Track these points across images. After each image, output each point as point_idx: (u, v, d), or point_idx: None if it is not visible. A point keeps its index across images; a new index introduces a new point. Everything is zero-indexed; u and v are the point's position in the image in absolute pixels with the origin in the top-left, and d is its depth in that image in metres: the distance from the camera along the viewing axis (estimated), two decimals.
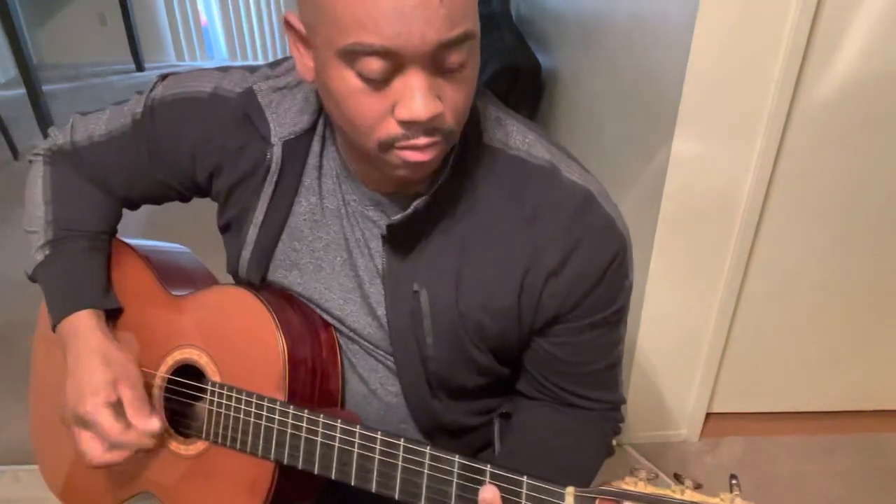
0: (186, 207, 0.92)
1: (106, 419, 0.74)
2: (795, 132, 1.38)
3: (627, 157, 1.62)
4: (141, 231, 2.48)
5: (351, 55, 0.56)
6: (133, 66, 4.12)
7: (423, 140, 0.60)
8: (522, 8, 2.85)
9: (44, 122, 3.19)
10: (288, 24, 0.63)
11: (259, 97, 0.75)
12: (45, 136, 0.90)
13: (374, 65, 0.56)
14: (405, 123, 0.58)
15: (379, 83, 0.57)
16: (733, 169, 1.38)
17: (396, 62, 0.56)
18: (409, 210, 0.68)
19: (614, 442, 0.84)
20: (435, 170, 0.67)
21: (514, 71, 2.26)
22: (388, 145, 0.61)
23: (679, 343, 1.63)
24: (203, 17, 4.25)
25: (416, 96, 0.57)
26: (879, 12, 1.27)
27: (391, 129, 0.59)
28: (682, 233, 1.46)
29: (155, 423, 0.75)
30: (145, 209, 0.90)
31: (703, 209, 1.43)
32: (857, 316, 1.67)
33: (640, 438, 1.76)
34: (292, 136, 0.74)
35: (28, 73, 3.11)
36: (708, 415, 1.78)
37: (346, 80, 0.58)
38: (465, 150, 0.70)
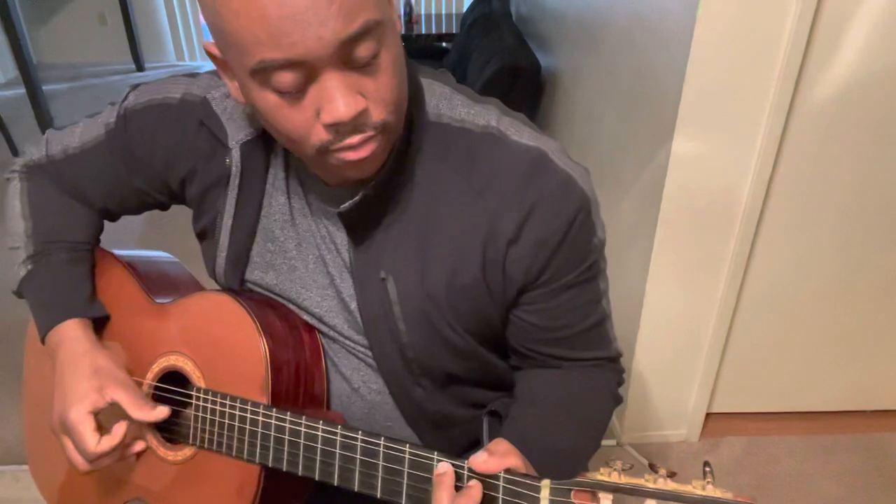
0: (176, 214, 0.92)
1: (86, 430, 0.74)
2: (795, 132, 1.38)
3: (627, 157, 1.62)
4: (134, 236, 2.48)
5: (261, 74, 0.56)
6: (133, 66, 4.13)
7: (355, 138, 0.60)
8: (522, 8, 2.85)
9: (44, 122, 3.19)
10: (209, 53, 0.63)
11: (213, 105, 0.76)
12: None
13: (286, 78, 0.56)
14: (331, 127, 0.58)
15: (296, 94, 0.57)
16: (733, 169, 1.38)
17: (306, 70, 0.56)
18: (357, 197, 0.67)
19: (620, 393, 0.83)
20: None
21: (514, 71, 2.27)
22: (324, 150, 0.61)
23: (679, 343, 1.64)
24: (203, 17, 4.25)
25: (334, 98, 0.57)
26: (879, 12, 1.27)
27: (321, 134, 0.59)
28: (682, 233, 1.46)
29: (163, 411, 0.76)
30: (142, 215, 0.90)
31: (703, 209, 1.43)
32: (858, 316, 1.67)
33: (641, 438, 1.77)
34: (250, 138, 0.74)
35: (28, 73, 3.11)
36: (708, 415, 1.78)
37: (266, 98, 0.58)
38: (409, 131, 0.69)
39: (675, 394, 1.72)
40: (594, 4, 1.89)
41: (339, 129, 0.59)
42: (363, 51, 0.56)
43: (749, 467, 1.71)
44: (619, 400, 0.82)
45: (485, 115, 0.70)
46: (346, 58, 0.56)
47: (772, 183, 1.43)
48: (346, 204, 0.68)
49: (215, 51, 0.62)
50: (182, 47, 4.31)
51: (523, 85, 2.29)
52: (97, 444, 0.74)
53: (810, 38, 1.26)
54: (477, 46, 2.61)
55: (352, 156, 0.61)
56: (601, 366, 0.81)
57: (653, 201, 1.45)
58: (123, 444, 0.77)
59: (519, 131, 0.70)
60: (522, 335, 0.77)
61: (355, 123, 0.59)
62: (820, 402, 1.82)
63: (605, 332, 0.79)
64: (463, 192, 0.69)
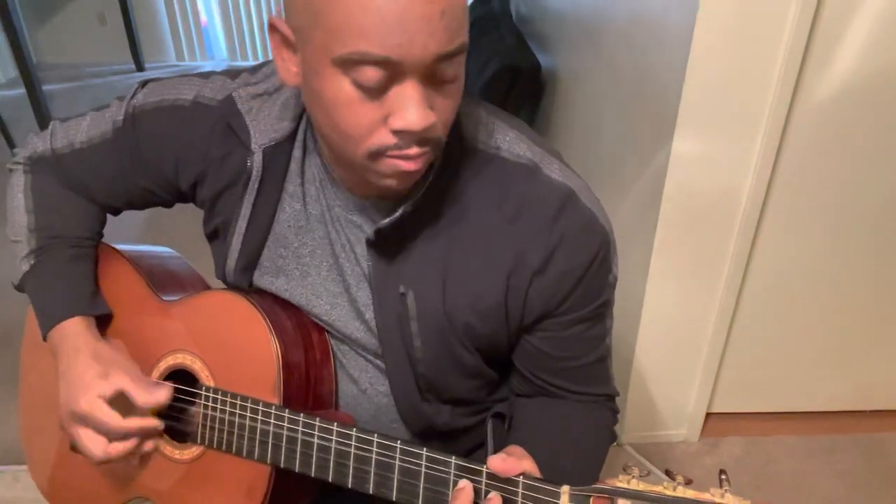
0: (182, 210, 0.92)
1: (103, 410, 0.73)
2: (795, 132, 1.38)
3: (627, 157, 1.62)
4: (137, 233, 2.48)
5: (348, 63, 0.56)
6: (133, 66, 4.12)
7: (414, 150, 0.60)
8: (522, 8, 2.85)
9: (44, 122, 3.19)
10: (273, 28, 0.63)
11: (239, 104, 0.75)
12: None
13: (373, 74, 0.56)
14: (399, 133, 0.59)
15: (374, 92, 0.58)
16: (733, 169, 1.38)
17: (394, 72, 0.56)
18: (397, 214, 0.68)
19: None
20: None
21: (514, 71, 2.26)
22: (378, 154, 0.61)
23: (679, 343, 1.63)
24: (203, 17, 4.25)
25: (411, 106, 0.57)
26: (879, 12, 1.27)
27: (384, 138, 0.60)
28: (682, 233, 1.46)
29: (165, 392, 0.76)
30: (145, 212, 0.90)
31: (703, 209, 1.43)
32: (857, 316, 1.67)
33: (641, 438, 1.77)
34: (272, 143, 0.74)
35: (28, 73, 3.11)
36: (708, 415, 1.78)
37: (341, 88, 0.58)
38: (450, 153, 0.70)
39: (675, 394, 1.72)
40: (594, 4, 1.89)
41: (405, 137, 0.59)
42: (450, 70, 0.58)
43: (749, 467, 1.71)
44: (614, 438, 0.83)
45: (519, 144, 0.72)
46: (434, 72, 0.57)
47: (772, 183, 1.43)
48: (386, 221, 0.68)
49: (284, 27, 0.61)
50: (182, 47, 4.30)
51: (523, 85, 2.29)
52: (122, 419, 0.73)
53: (810, 38, 1.26)
54: (477, 46, 2.61)
55: (405, 165, 0.61)
56: (600, 402, 0.82)
57: (653, 201, 1.45)
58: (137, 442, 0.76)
59: (550, 165, 0.72)
60: (529, 360, 0.79)
61: (421, 136, 0.59)
62: (820, 402, 1.81)
63: (605, 369, 0.82)
64: (494, 218, 0.70)
